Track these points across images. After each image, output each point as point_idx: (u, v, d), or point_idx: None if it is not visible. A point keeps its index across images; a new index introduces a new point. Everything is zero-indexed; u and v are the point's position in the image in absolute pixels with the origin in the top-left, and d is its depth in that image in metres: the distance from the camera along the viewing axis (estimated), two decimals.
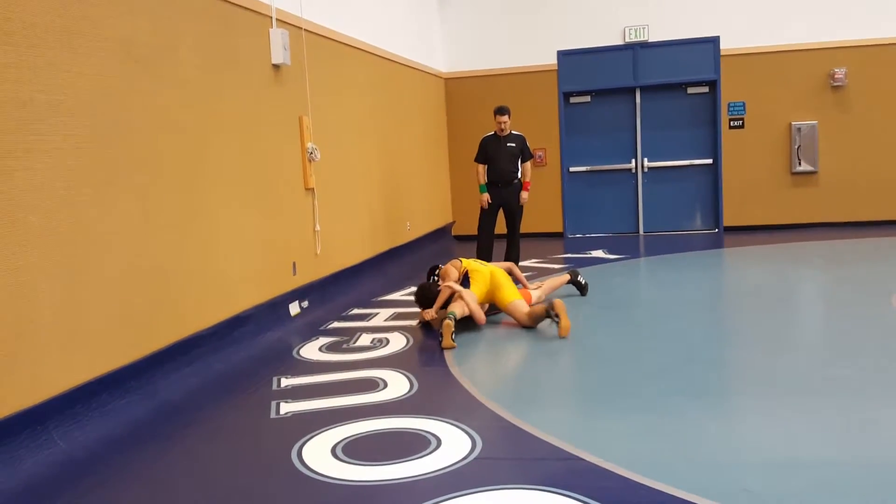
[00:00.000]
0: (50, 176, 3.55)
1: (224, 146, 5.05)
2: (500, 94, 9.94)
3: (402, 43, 8.88)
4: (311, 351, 5.00)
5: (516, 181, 7.55)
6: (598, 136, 10.61)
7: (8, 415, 3.25)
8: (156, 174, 4.33)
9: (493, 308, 5.69)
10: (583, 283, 6.38)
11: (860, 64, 9.71)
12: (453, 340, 4.89)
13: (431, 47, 10.28)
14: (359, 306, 6.36)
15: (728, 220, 10.30)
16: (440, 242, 10.23)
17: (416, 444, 3.26)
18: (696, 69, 10.16)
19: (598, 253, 8.94)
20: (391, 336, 5.30)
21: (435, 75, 10.35)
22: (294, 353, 4.99)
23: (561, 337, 4.93)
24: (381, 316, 5.97)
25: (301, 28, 6.11)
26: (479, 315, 5.33)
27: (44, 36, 3.55)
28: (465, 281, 5.58)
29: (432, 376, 4.35)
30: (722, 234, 10.18)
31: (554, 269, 7.73)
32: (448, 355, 4.75)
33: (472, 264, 5.75)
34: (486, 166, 7.57)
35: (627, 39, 10.23)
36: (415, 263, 8.06)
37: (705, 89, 10.27)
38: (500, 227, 7.70)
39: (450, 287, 5.38)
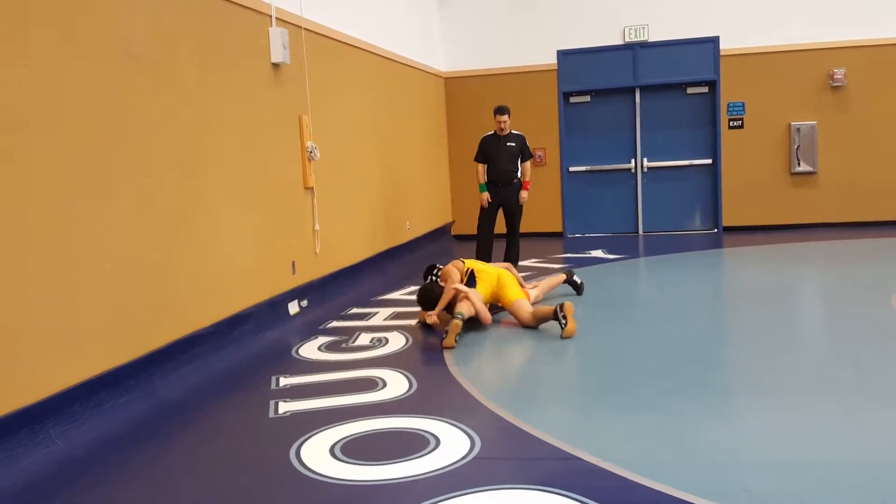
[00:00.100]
0: (48, 175, 3.54)
1: (223, 145, 5.05)
2: (500, 94, 9.93)
3: (401, 42, 8.88)
4: (311, 350, 5.00)
5: (516, 181, 7.55)
6: (597, 136, 10.61)
7: (6, 413, 3.25)
8: (155, 173, 4.33)
9: (494, 307, 5.69)
10: (578, 282, 6.39)
11: (860, 64, 9.71)
12: (455, 341, 4.89)
13: (431, 46, 10.28)
14: (358, 305, 6.36)
15: (727, 220, 10.30)
16: (440, 242, 10.23)
17: (415, 444, 3.25)
18: (696, 69, 10.16)
19: (598, 253, 8.94)
20: (390, 335, 5.30)
21: (435, 74, 10.35)
22: (293, 352, 4.98)
23: (563, 338, 4.93)
24: (381, 315, 5.97)
25: (301, 27, 6.11)
26: (486, 315, 5.33)
27: (43, 35, 3.54)
28: (471, 280, 5.56)
29: (431, 376, 4.35)
30: (721, 234, 10.18)
31: (554, 268, 7.72)
32: (447, 355, 4.74)
33: (477, 265, 5.74)
34: (486, 166, 7.57)
35: (627, 39, 10.22)
36: (414, 263, 8.06)
37: (705, 89, 10.27)
38: (500, 226, 7.70)
39: (456, 288, 5.36)
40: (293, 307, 5.94)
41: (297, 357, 4.87)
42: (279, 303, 5.74)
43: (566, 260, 8.49)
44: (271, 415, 3.78)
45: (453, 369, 4.42)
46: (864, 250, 8.22)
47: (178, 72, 4.59)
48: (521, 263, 7.84)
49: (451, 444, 3.23)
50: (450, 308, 5.48)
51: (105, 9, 3.95)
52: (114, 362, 3.92)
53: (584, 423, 3.54)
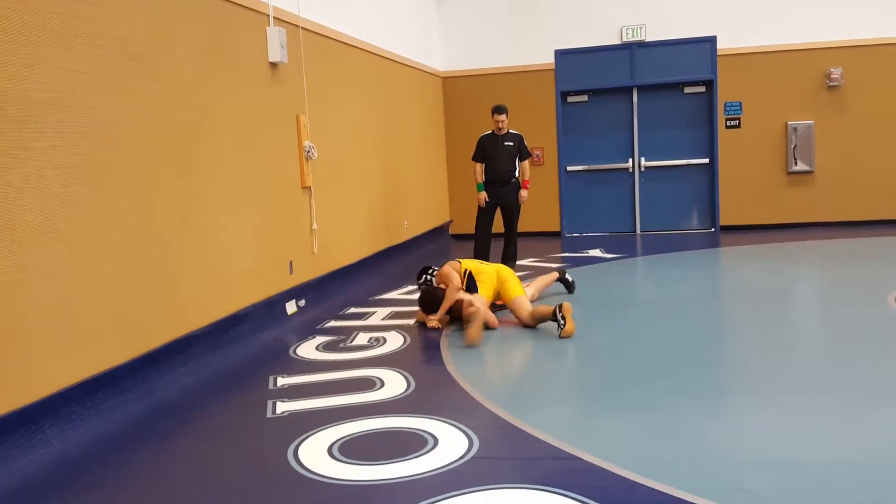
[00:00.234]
0: (46, 174, 3.53)
1: (221, 144, 5.04)
2: (498, 93, 9.93)
3: (399, 42, 8.87)
4: (308, 350, 4.99)
5: (514, 180, 7.55)
6: (595, 136, 10.62)
7: (2, 414, 3.23)
8: (152, 173, 4.32)
9: (492, 306, 5.68)
10: (570, 280, 6.40)
11: (856, 64, 9.73)
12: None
13: (429, 46, 10.27)
14: (356, 305, 6.35)
15: (724, 219, 10.31)
16: (438, 241, 10.23)
17: (413, 444, 3.25)
18: (693, 69, 10.17)
19: (596, 252, 8.95)
20: (388, 335, 5.29)
21: (433, 74, 10.34)
22: (291, 352, 4.98)
23: (561, 338, 4.93)
24: (379, 315, 5.96)
25: (298, 26, 6.10)
26: (493, 320, 5.34)
27: (42, 34, 3.53)
28: (470, 283, 5.54)
29: (429, 375, 4.34)
30: (718, 233, 10.19)
31: (551, 267, 7.72)
32: (445, 354, 4.74)
33: (474, 265, 5.73)
34: (484, 165, 7.57)
35: (624, 39, 10.23)
36: (412, 262, 8.05)
37: (702, 89, 10.28)
38: (498, 225, 7.70)
39: (461, 300, 5.33)
40: (291, 307, 5.93)
41: (295, 357, 4.86)
42: (277, 302, 5.73)
43: (564, 259, 8.49)
44: (269, 415, 3.77)
45: (451, 369, 4.42)
46: (861, 249, 8.23)
47: (176, 71, 4.58)
48: (518, 263, 7.84)
49: (450, 443, 3.23)
50: (451, 311, 5.47)
51: (102, 8, 3.94)
52: (111, 362, 3.91)
53: (583, 423, 3.54)
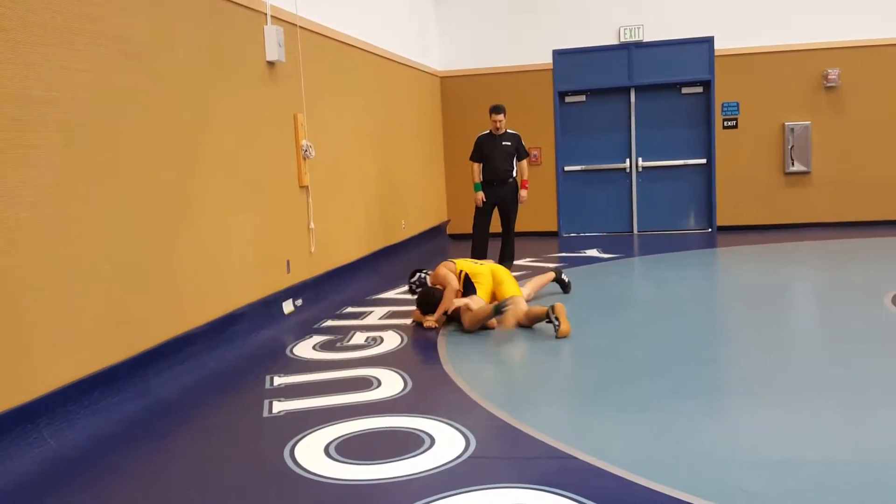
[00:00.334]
0: (44, 173, 3.52)
1: (218, 143, 5.03)
2: (496, 93, 9.93)
3: (397, 41, 8.87)
4: (305, 349, 4.99)
5: (511, 180, 7.55)
6: (592, 136, 10.62)
7: None
8: (150, 171, 4.31)
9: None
10: (566, 281, 6.41)
11: (854, 65, 9.74)
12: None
13: (427, 45, 10.27)
14: (353, 305, 6.35)
15: (721, 219, 10.32)
16: (435, 241, 10.23)
17: (410, 443, 3.25)
18: (691, 69, 10.18)
19: (593, 252, 8.95)
20: (385, 334, 5.29)
21: (431, 73, 10.34)
22: (287, 351, 4.97)
23: (558, 338, 4.93)
24: (376, 314, 5.96)
25: (296, 25, 6.09)
26: (493, 322, 5.36)
27: (41, 33, 3.53)
28: (468, 285, 5.51)
29: (426, 375, 4.34)
30: (715, 233, 10.20)
31: (548, 267, 7.71)
32: (442, 354, 4.74)
33: (469, 265, 5.72)
34: (482, 165, 7.57)
35: (622, 39, 10.23)
36: (409, 262, 8.05)
37: (699, 89, 10.29)
38: (496, 225, 7.70)
39: (458, 305, 5.33)
40: (288, 306, 5.93)
41: (292, 356, 4.85)
42: (274, 302, 5.73)
43: (561, 259, 8.49)
44: (265, 414, 3.77)
45: (448, 368, 4.42)
46: (858, 250, 8.24)
47: (175, 70, 4.57)
48: (515, 262, 7.84)
49: (446, 443, 3.23)
50: (447, 311, 5.47)
51: (102, 7, 3.93)
52: (108, 361, 3.90)
53: (580, 423, 3.54)
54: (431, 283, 5.73)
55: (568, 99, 10.60)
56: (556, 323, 4.95)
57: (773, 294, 6.34)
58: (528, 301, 5.70)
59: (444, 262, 5.76)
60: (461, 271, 5.60)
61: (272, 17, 5.68)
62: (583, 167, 10.68)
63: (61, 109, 3.64)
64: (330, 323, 5.74)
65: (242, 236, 5.32)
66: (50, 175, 3.57)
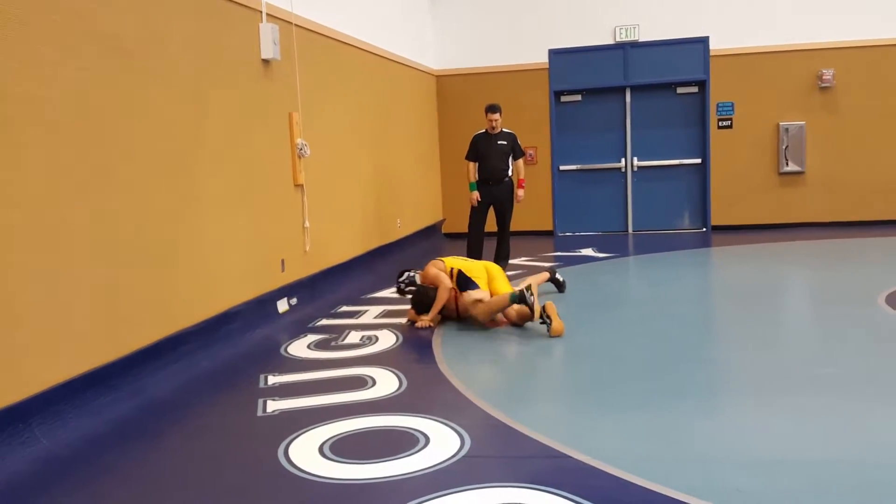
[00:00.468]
0: (35, 171, 3.50)
1: (212, 141, 5.01)
2: (492, 92, 9.92)
3: (393, 39, 8.85)
4: (300, 348, 4.97)
5: (507, 179, 7.55)
6: (588, 135, 10.63)
7: None
8: (143, 169, 4.29)
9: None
10: (561, 280, 6.41)
11: (848, 65, 9.77)
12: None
13: (423, 44, 10.25)
14: (348, 304, 6.34)
15: (716, 219, 10.34)
16: (431, 240, 10.22)
17: (405, 443, 3.24)
18: (686, 69, 10.19)
19: (588, 251, 8.95)
20: (380, 333, 5.28)
21: (426, 72, 10.33)
22: (282, 350, 4.96)
23: (551, 336, 4.93)
24: (371, 313, 5.95)
25: (291, 23, 6.07)
26: (501, 317, 5.36)
27: (33, 30, 3.50)
28: (464, 281, 5.48)
29: (421, 374, 4.33)
30: (710, 233, 10.21)
31: (543, 266, 7.72)
32: (437, 353, 4.73)
33: (461, 262, 5.71)
34: (477, 164, 7.56)
35: (618, 39, 10.24)
36: (405, 261, 8.04)
37: (694, 89, 10.30)
38: (491, 224, 7.69)
39: (477, 295, 5.31)
40: (282, 305, 5.91)
41: (286, 355, 4.84)
42: (268, 301, 5.71)
43: (556, 258, 8.49)
44: (259, 413, 3.75)
45: (443, 367, 4.41)
46: (852, 249, 8.27)
47: (169, 68, 4.55)
48: (511, 262, 7.84)
49: (441, 442, 3.22)
50: (441, 311, 5.46)
51: (95, 4, 3.91)
52: (101, 360, 3.88)
53: (575, 422, 3.53)
54: (421, 282, 5.71)
55: (564, 98, 10.60)
56: (549, 321, 4.95)
57: (768, 294, 6.35)
58: None
59: (433, 262, 5.72)
60: (452, 269, 5.58)
61: (267, 14, 5.66)
62: (578, 166, 10.68)
63: (53, 108, 3.62)
64: (324, 322, 5.72)
65: (237, 235, 5.31)
66: (41, 173, 3.55)
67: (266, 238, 5.71)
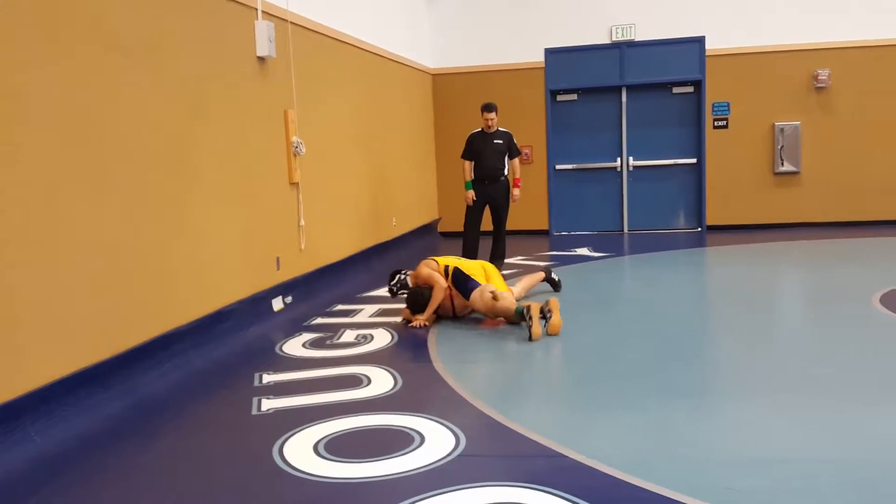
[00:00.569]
0: (31, 168, 3.49)
1: (208, 139, 5.00)
2: (488, 91, 9.92)
3: (389, 38, 8.84)
4: (295, 347, 4.96)
5: (503, 178, 7.55)
6: (584, 135, 10.63)
7: None
8: (138, 167, 4.27)
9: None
10: (556, 280, 6.41)
11: (844, 65, 9.79)
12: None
13: (419, 43, 10.24)
14: (343, 302, 6.32)
15: (711, 219, 10.36)
16: (426, 239, 10.21)
17: (400, 441, 3.23)
18: (682, 69, 10.20)
19: (584, 250, 8.96)
20: (375, 332, 5.27)
21: (422, 71, 10.32)
22: (277, 348, 4.94)
23: (550, 334, 4.92)
24: (366, 312, 5.94)
25: (287, 21, 6.06)
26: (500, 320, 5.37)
27: (28, 27, 3.48)
28: (461, 279, 5.46)
29: (416, 373, 4.33)
30: (705, 232, 10.23)
31: (540, 265, 7.72)
32: (432, 352, 4.72)
33: (457, 261, 5.69)
34: (473, 163, 7.56)
35: (614, 38, 10.24)
36: (401, 260, 8.03)
37: (690, 89, 10.31)
38: (487, 223, 7.69)
39: (493, 294, 5.27)
40: (277, 303, 5.90)
41: (281, 354, 4.83)
42: (263, 299, 5.69)
43: (552, 258, 8.49)
44: (254, 412, 3.74)
45: (438, 366, 4.41)
46: (847, 250, 8.29)
47: (164, 65, 4.53)
48: (506, 261, 7.84)
49: (436, 441, 3.22)
50: (437, 310, 5.46)
51: (91, 1, 3.89)
52: (95, 358, 3.86)
53: (570, 421, 3.53)
54: (413, 283, 5.69)
55: (560, 97, 10.60)
56: (549, 315, 4.96)
57: (762, 293, 6.36)
58: (518, 300, 5.68)
59: (425, 262, 5.69)
60: (447, 266, 5.56)
61: (263, 12, 5.64)
62: (574, 166, 10.69)
63: (48, 105, 3.60)
64: (320, 320, 5.71)
65: (232, 233, 5.29)
66: (37, 171, 3.53)
67: (261, 236, 5.70)
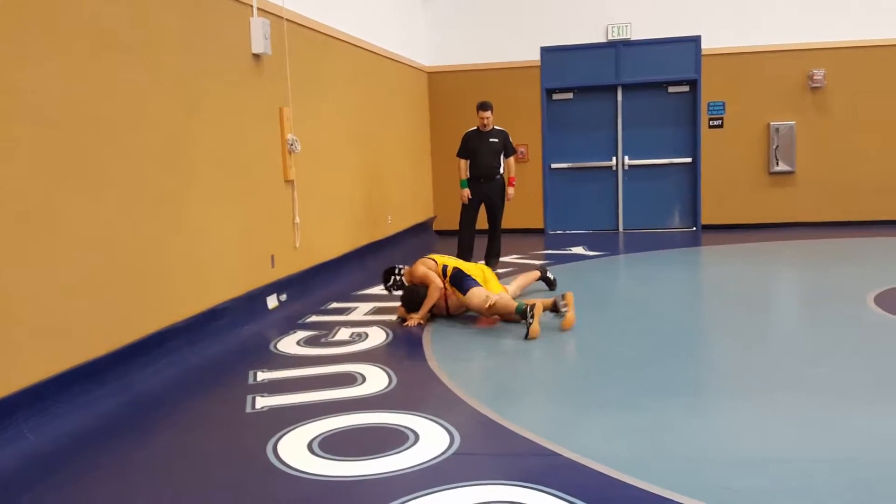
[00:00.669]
0: (25, 165, 3.47)
1: (203, 136, 4.98)
2: (483, 90, 9.90)
3: (385, 35, 8.83)
4: (289, 345, 4.96)
5: (498, 176, 7.55)
6: (579, 133, 10.64)
7: None
8: (132, 164, 4.26)
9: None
10: (551, 278, 6.42)
11: (839, 65, 9.81)
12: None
13: (415, 41, 10.23)
14: (338, 300, 6.32)
15: (706, 218, 10.37)
16: (421, 237, 10.20)
17: (394, 440, 3.23)
18: (677, 68, 10.21)
19: (579, 249, 8.96)
20: (370, 330, 5.27)
21: (418, 69, 10.31)
22: (271, 346, 4.94)
23: (563, 328, 4.96)
24: (361, 310, 5.93)
25: (282, 18, 6.04)
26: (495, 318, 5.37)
27: (23, 24, 3.47)
28: (461, 277, 5.45)
29: (411, 371, 4.32)
30: (700, 232, 10.25)
31: (535, 264, 7.72)
32: (427, 350, 4.72)
33: (454, 261, 5.68)
34: (469, 161, 7.56)
35: (610, 37, 10.25)
36: (396, 258, 8.01)
37: (686, 88, 10.32)
38: (482, 222, 7.68)
39: (491, 300, 5.26)
40: (272, 301, 5.89)
41: (276, 351, 4.82)
42: (258, 297, 5.69)
43: (547, 256, 8.50)
44: (249, 410, 3.74)
45: (433, 365, 4.41)
46: (841, 250, 8.31)
47: (159, 62, 4.52)
48: (502, 259, 7.84)
49: (431, 439, 3.22)
50: (431, 309, 5.45)
51: None
52: (89, 355, 3.85)
53: (564, 420, 3.53)
54: (408, 280, 5.68)
55: (555, 96, 10.60)
56: (564, 311, 5.03)
57: (757, 293, 6.38)
58: (514, 298, 5.68)
59: (422, 260, 5.68)
60: (446, 266, 5.55)
61: (258, 8, 5.63)
62: (569, 164, 10.69)
63: (42, 101, 3.59)
64: (314, 318, 5.71)
65: (227, 230, 5.28)
66: (32, 167, 3.51)
67: (256, 234, 5.68)
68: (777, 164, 10.06)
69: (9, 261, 3.38)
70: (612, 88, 10.48)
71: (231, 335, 5.15)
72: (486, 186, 7.53)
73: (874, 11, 9.72)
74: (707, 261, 8.35)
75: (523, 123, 10.35)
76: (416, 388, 4.01)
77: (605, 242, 9.57)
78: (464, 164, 7.58)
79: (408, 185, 9.76)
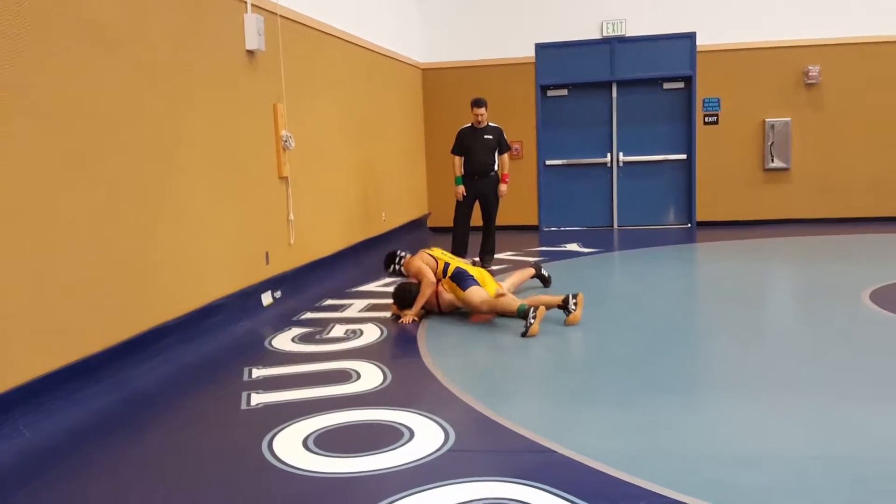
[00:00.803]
0: (18, 161, 3.46)
1: (196, 133, 4.97)
2: (478, 86, 9.91)
3: (379, 32, 8.81)
4: (284, 341, 4.95)
5: (493, 173, 7.55)
6: (574, 130, 10.64)
7: None
8: (126, 160, 4.25)
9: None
10: (546, 275, 6.42)
11: (834, 62, 9.83)
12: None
13: (409, 37, 10.21)
14: (333, 297, 6.31)
15: (701, 215, 10.40)
16: (416, 233, 10.20)
17: (389, 436, 3.24)
18: (672, 65, 10.22)
19: (573, 246, 8.97)
20: (365, 327, 5.27)
21: (412, 65, 10.29)
22: (266, 343, 4.93)
23: (567, 324, 5.00)
24: (356, 307, 5.93)
25: (276, 14, 6.03)
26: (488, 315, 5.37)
27: (14, 19, 3.45)
28: (461, 276, 5.44)
29: (406, 368, 4.33)
30: (695, 228, 10.27)
31: (529, 261, 7.72)
32: (422, 347, 4.73)
33: (458, 261, 5.66)
34: (463, 158, 7.55)
35: (605, 33, 10.25)
36: None
37: (681, 85, 10.33)
38: (476, 219, 7.68)
39: (484, 300, 5.27)
40: (266, 298, 5.88)
41: (270, 348, 4.82)
42: (252, 293, 5.68)
43: (541, 253, 8.51)
44: (243, 406, 3.74)
45: (428, 361, 4.41)
46: (836, 246, 8.33)
47: (152, 58, 4.50)
48: (496, 256, 7.84)
49: (425, 436, 3.22)
50: (425, 305, 5.45)
51: None
52: (84, 352, 3.85)
53: (559, 416, 3.54)
54: (405, 271, 5.69)
55: (550, 93, 10.60)
56: (574, 308, 5.05)
57: (752, 290, 6.39)
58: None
59: (421, 254, 5.67)
60: (448, 264, 5.53)
61: (252, 5, 5.61)
62: (564, 161, 10.70)
63: (34, 97, 3.57)
64: (309, 315, 5.70)
65: (221, 227, 5.27)
66: (24, 163, 3.50)
67: (250, 231, 5.67)
68: (772, 160, 10.09)
69: (2, 257, 3.37)
70: (606, 85, 10.49)
71: (225, 332, 5.15)
72: (481, 183, 7.53)
73: (870, 9, 9.74)
74: (702, 257, 8.36)
75: (518, 120, 10.35)
76: (411, 385, 4.01)
77: (600, 239, 9.58)
78: (458, 161, 7.58)
79: (402, 182, 9.75)
